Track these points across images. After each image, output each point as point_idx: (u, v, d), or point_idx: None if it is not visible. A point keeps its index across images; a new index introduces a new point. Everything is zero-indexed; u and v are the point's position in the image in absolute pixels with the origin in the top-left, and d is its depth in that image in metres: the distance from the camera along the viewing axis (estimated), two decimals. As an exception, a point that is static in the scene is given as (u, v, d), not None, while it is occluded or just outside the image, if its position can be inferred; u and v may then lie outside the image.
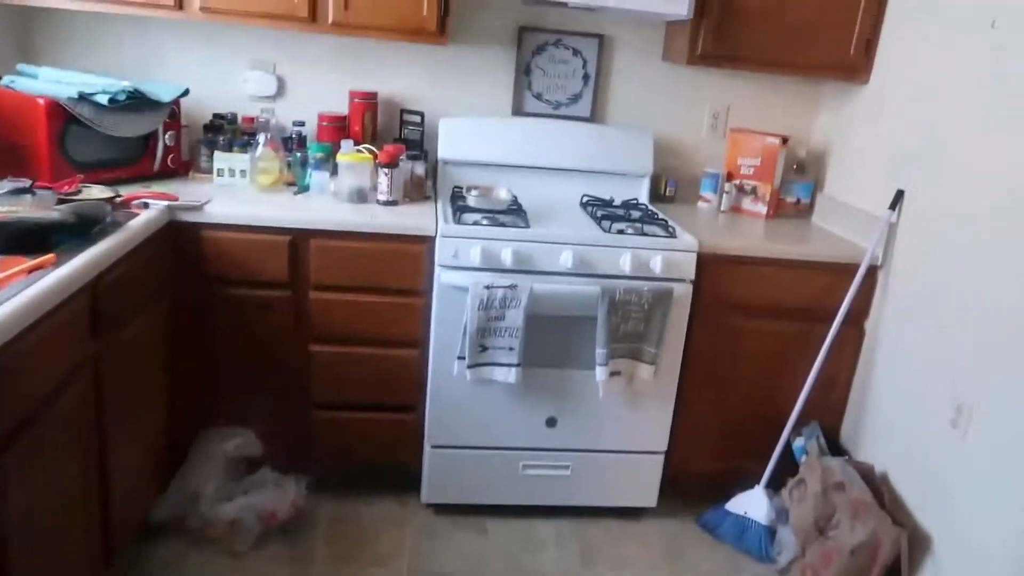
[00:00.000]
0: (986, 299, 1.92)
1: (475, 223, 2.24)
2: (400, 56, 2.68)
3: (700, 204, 2.80)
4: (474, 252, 2.17)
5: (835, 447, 2.46)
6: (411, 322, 2.29)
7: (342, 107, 2.64)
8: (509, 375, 2.21)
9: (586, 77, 2.74)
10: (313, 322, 2.27)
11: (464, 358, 2.21)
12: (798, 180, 2.74)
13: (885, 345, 2.33)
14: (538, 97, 2.75)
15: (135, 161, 2.35)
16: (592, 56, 2.72)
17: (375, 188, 2.37)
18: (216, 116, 2.58)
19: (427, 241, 2.22)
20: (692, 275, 2.26)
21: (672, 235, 2.29)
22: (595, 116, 2.78)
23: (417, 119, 2.66)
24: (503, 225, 2.25)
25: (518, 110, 2.75)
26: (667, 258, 2.22)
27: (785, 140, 2.64)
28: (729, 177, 2.76)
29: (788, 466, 2.38)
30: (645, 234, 2.28)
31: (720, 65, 2.53)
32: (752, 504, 2.36)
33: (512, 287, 2.15)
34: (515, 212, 2.34)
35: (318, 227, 2.18)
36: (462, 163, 2.64)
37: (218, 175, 2.42)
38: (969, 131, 2.04)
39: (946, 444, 2.00)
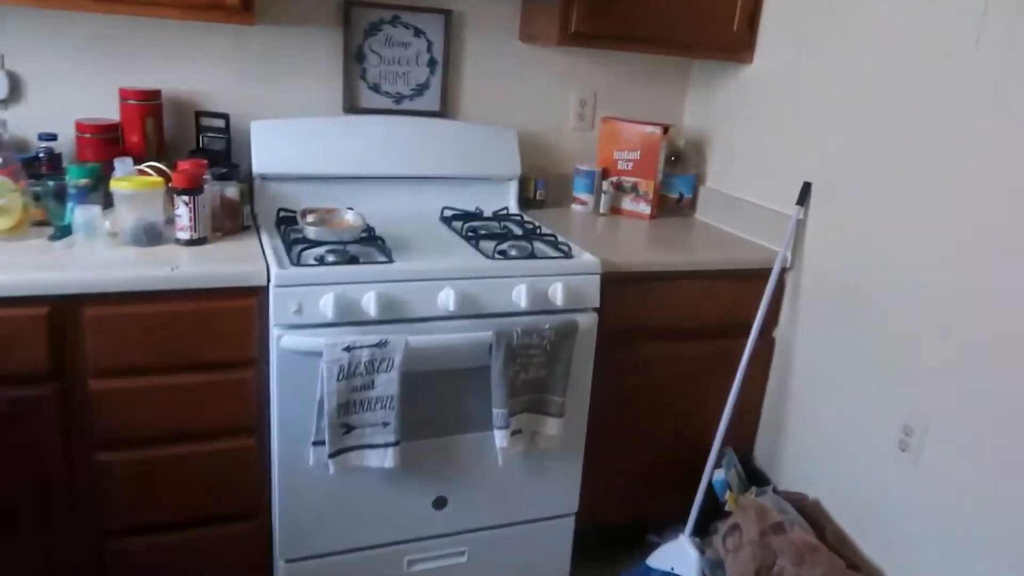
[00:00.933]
0: (926, 298, 1.69)
1: (321, 262, 1.69)
2: (191, 41, 2.02)
3: (575, 207, 2.41)
4: (325, 303, 1.62)
5: (753, 474, 2.20)
6: (242, 403, 1.70)
7: (111, 111, 1.94)
8: (386, 458, 1.69)
9: (432, 63, 2.24)
10: (98, 423, 1.60)
11: (323, 443, 1.66)
12: (678, 174, 2.44)
13: (800, 355, 2.08)
14: (375, 89, 2.21)
15: None
16: (438, 37, 2.23)
17: (171, 221, 1.73)
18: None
19: (256, 293, 1.63)
20: (597, 301, 1.86)
21: (567, 255, 1.87)
22: (446, 110, 2.30)
23: (220, 123, 2.02)
24: (358, 261, 1.72)
25: (351, 106, 2.20)
26: (568, 285, 1.80)
27: (666, 129, 2.32)
28: (605, 174, 2.40)
29: (713, 505, 2.08)
30: (535, 256, 1.84)
31: (593, 45, 2.14)
32: (679, 557, 2.03)
33: (381, 344, 1.63)
34: (371, 241, 1.81)
35: (91, 289, 1.52)
36: (286, 177, 2.05)
37: (-77, 220, 1.66)
38: (880, 111, 1.81)
39: (894, 470, 1.78)
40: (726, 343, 2.08)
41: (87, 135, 1.87)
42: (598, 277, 1.85)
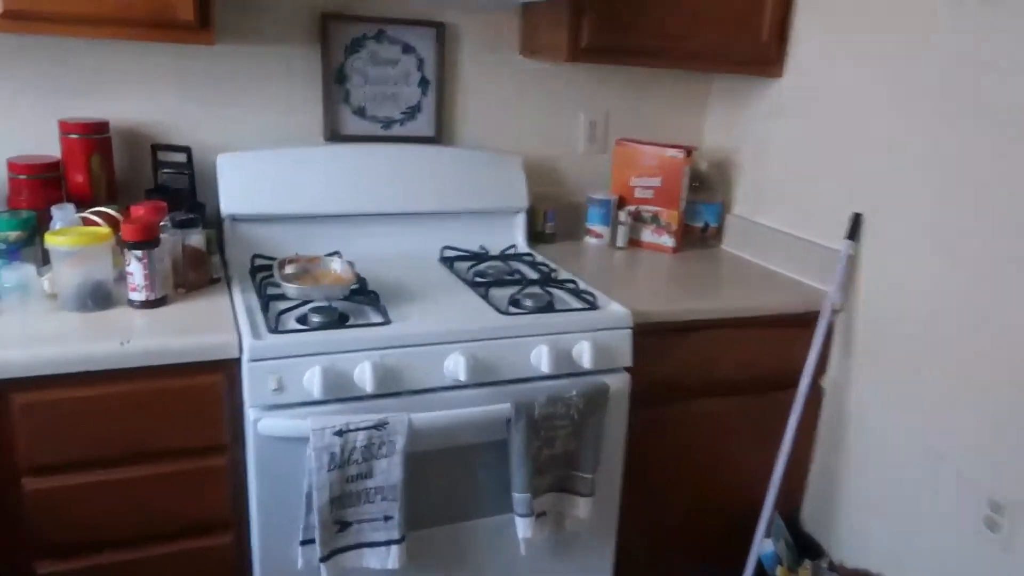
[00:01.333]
0: (1009, 344, 1.45)
1: (304, 326, 1.41)
2: (143, 65, 1.74)
3: (589, 240, 2.15)
4: (311, 378, 1.34)
5: (802, 541, 1.94)
6: (213, 495, 1.41)
7: (50, 147, 1.65)
8: (389, 558, 1.41)
9: (424, 82, 1.97)
10: (36, 528, 1.31)
11: (313, 542, 1.37)
12: (702, 201, 2.19)
13: (854, 408, 1.83)
14: (360, 113, 1.94)
15: None
16: (429, 53, 1.96)
17: (123, 278, 1.44)
18: None
19: (226, 367, 1.35)
20: (628, 359, 1.60)
21: (593, 305, 1.60)
22: (442, 134, 2.03)
23: (181, 158, 1.74)
24: (347, 322, 1.44)
25: (334, 134, 1.92)
26: (596, 342, 1.53)
27: (690, 152, 2.07)
28: (621, 203, 2.14)
29: (760, 582, 1.83)
30: (555, 308, 1.58)
31: (605, 60, 1.88)
32: (725, 644, 1.78)
33: (380, 426, 1.35)
34: (363, 297, 1.53)
35: (21, 372, 1.23)
36: (260, 218, 1.77)
37: None
38: (944, 127, 1.56)
39: (979, 552, 1.53)
40: (769, 395, 1.83)
41: (21, 176, 1.57)
42: (629, 332, 1.58)
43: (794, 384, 1.80)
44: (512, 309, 1.55)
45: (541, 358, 1.48)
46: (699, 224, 2.20)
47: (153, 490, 1.36)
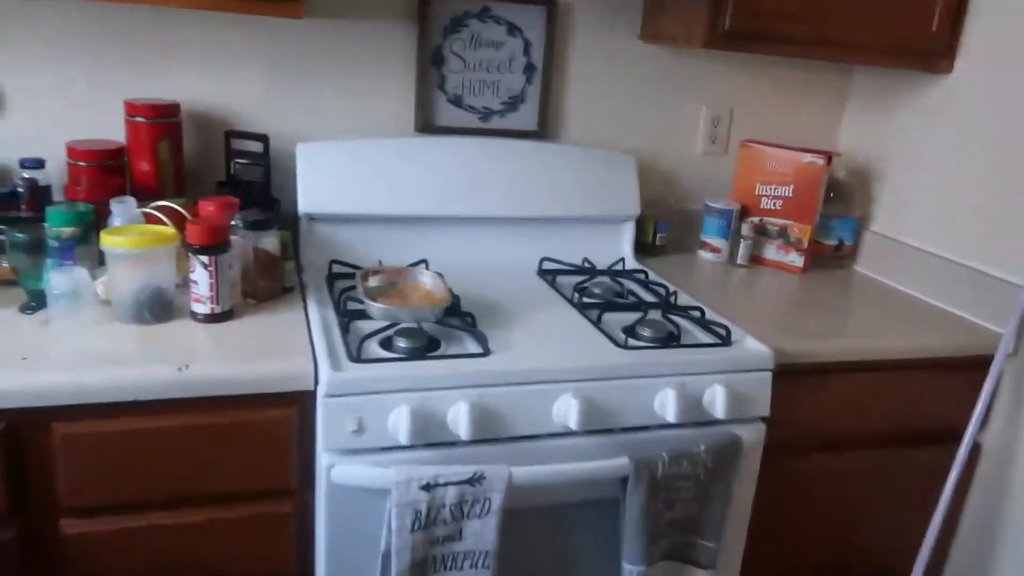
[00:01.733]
0: None
1: (390, 354, 1.19)
2: (220, 40, 1.55)
3: (703, 255, 1.88)
4: (397, 419, 1.12)
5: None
6: (276, 546, 1.21)
7: (114, 131, 1.48)
8: (475, 634, 1.20)
9: (530, 68, 1.73)
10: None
11: (387, 607, 1.17)
12: (837, 215, 1.89)
13: (1022, 473, 1.53)
14: (456, 102, 1.71)
15: None
16: (537, 35, 1.72)
17: (186, 284, 1.25)
18: None
19: (300, 400, 1.14)
20: (766, 408, 1.33)
21: (725, 340, 1.34)
22: (546, 129, 1.78)
23: (257, 147, 1.54)
24: (440, 353, 1.22)
25: (426, 125, 1.70)
26: (731, 387, 1.27)
27: (830, 158, 1.78)
28: (744, 213, 1.86)
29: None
30: (681, 343, 1.32)
31: (746, 48, 1.60)
32: None
33: (476, 480, 1.13)
34: (456, 320, 1.31)
35: (66, 401, 1.05)
36: (341, 218, 1.57)
37: None
38: None
39: None
40: (917, 450, 1.55)
41: (81, 163, 1.40)
42: (769, 375, 1.32)
43: (945, 439, 1.52)
44: (632, 341, 1.31)
45: (667, 404, 1.24)
46: (831, 241, 1.91)
47: (209, 538, 1.17)
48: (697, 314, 1.43)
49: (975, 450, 1.61)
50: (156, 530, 1.14)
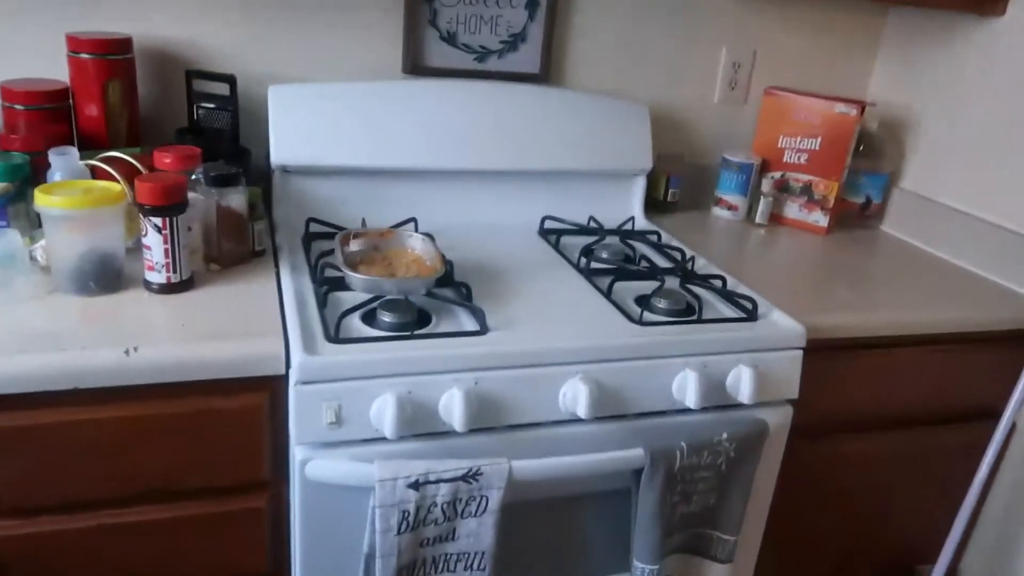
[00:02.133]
0: None
1: (374, 332, 1.04)
2: (174, -38, 1.35)
3: (718, 212, 1.73)
4: (381, 410, 0.98)
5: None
6: (248, 543, 1.08)
7: (56, 70, 1.29)
8: (469, 641, 1.08)
9: (533, 3, 1.54)
10: (15, 584, 1.00)
11: (370, 613, 1.04)
12: (866, 171, 1.73)
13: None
14: (450, 40, 1.52)
15: None
16: (541, -36, 1.52)
17: (139, 249, 1.09)
18: None
19: (271, 385, 0.99)
20: (795, 391, 1.20)
21: (751, 315, 1.20)
22: (549, 72, 1.60)
23: (223, 90, 1.36)
24: (431, 331, 1.07)
25: (416, 65, 1.52)
26: (758, 367, 1.13)
27: (863, 108, 1.61)
28: (764, 168, 1.70)
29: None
30: (702, 317, 1.18)
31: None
32: None
33: (471, 477, 0.99)
34: (452, 293, 1.15)
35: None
36: (317, 171, 1.39)
37: None
38: None
39: None
40: (947, 430, 1.43)
41: (18, 106, 1.22)
42: (800, 353, 1.18)
43: (979, 418, 1.40)
44: (647, 316, 1.16)
45: (686, 388, 1.10)
46: (858, 199, 1.75)
47: (169, 538, 1.04)
48: (719, 283, 1.28)
49: (1008, 431, 1.49)
50: (107, 530, 1.01)
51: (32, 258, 1.07)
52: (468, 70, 1.54)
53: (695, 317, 1.17)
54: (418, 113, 1.44)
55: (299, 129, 1.37)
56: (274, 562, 1.10)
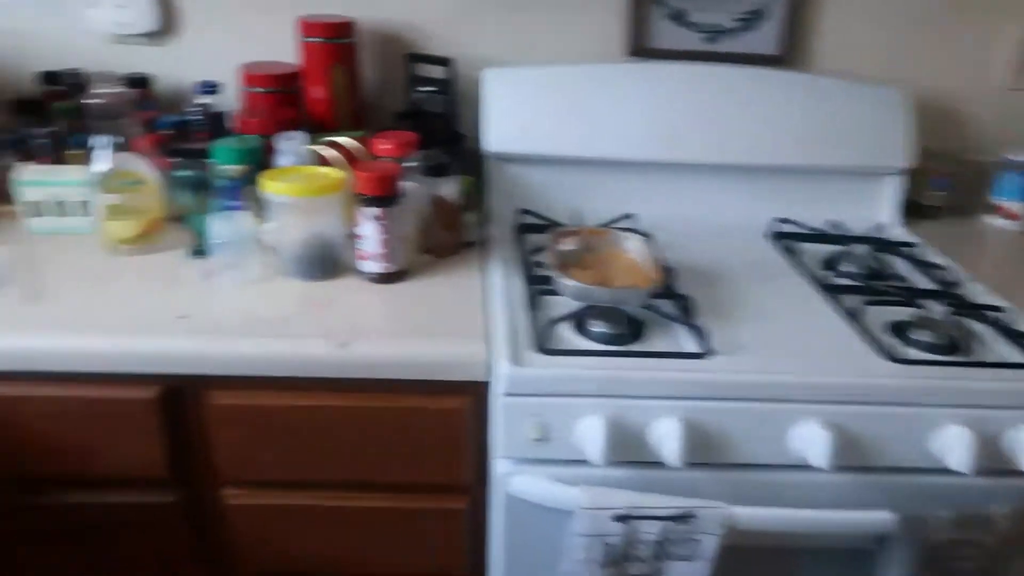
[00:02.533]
0: None
1: (586, 346, 0.96)
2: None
3: (990, 221, 1.45)
4: (587, 433, 0.89)
5: None
6: (449, 541, 1.06)
7: (287, 54, 1.32)
8: None
9: (778, -25, 1.36)
10: (234, 547, 1.05)
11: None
12: None
13: None
14: (678, 19, 1.39)
15: None
16: (793, -71, 1.34)
17: (357, 235, 1.08)
18: (48, 76, 1.31)
19: (471, 390, 0.95)
20: (1094, 459, 0.96)
21: (1042, 358, 0.97)
22: (792, 54, 1.41)
23: (439, 72, 1.33)
24: (645, 349, 0.96)
25: (640, 47, 1.40)
26: (1051, 428, 0.92)
27: None
28: (1056, 171, 1.41)
29: None
30: (974, 359, 0.97)
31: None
32: None
33: (684, 519, 0.89)
34: (671, 307, 1.04)
35: (216, 371, 0.92)
36: (532, 159, 1.33)
37: (32, 216, 1.16)
38: None
39: None
40: None
41: (258, 89, 1.26)
42: (1106, 413, 0.94)
43: None
44: (906, 352, 0.98)
45: (952, 447, 0.91)
46: None
47: (378, 525, 1.04)
48: (995, 314, 1.06)
49: None
50: (324, 512, 1.02)
51: (261, 240, 1.10)
52: (697, 51, 1.40)
53: (967, 358, 0.97)
54: (640, 99, 1.32)
55: (514, 115, 1.31)
56: (472, 566, 1.07)
